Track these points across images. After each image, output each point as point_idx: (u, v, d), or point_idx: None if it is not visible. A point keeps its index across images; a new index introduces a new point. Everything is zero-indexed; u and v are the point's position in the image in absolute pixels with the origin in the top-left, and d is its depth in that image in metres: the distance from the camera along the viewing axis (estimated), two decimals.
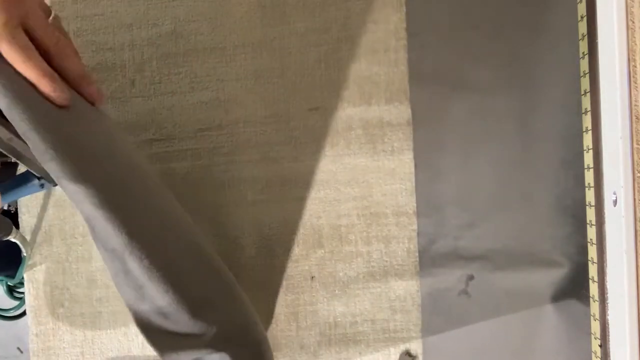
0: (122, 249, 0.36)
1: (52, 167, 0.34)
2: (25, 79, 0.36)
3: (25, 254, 0.54)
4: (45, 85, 0.37)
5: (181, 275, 0.38)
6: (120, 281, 0.38)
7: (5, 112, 0.35)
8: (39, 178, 0.46)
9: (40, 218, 0.55)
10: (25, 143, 0.36)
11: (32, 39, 0.37)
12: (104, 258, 0.37)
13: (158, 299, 0.37)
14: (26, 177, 0.47)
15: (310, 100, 0.53)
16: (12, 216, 0.56)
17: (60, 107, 0.38)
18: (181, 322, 0.38)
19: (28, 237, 0.55)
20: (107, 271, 0.54)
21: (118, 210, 0.36)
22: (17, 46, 0.36)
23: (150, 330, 0.38)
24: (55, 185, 0.47)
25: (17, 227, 0.55)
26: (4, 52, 0.35)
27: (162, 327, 0.38)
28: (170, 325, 0.38)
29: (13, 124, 0.35)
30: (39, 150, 0.35)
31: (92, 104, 0.42)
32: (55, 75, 0.38)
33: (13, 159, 0.43)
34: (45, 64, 0.37)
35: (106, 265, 0.38)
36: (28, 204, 0.55)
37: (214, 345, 0.38)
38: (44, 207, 0.55)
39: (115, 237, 0.35)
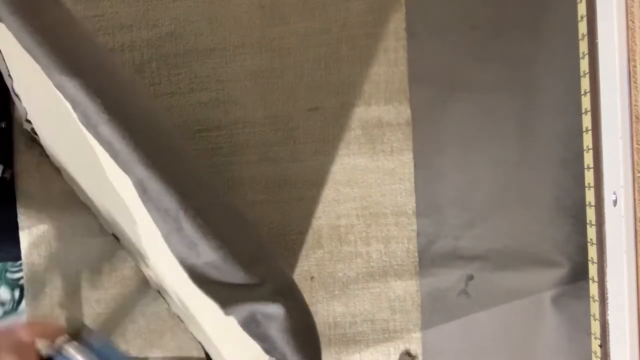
0: (176, 208, 0.37)
1: (104, 130, 0.36)
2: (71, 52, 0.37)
3: None
4: None
5: (230, 233, 0.40)
6: (173, 240, 0.39)
7: (54, 80, 0.36)
8: None
9: (39, 219, 0.55)
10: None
11: None
12: (155, 218, 0.39)
13: (211, 254, 0.38)
14: None
15: (309, 100, 0.53)
16: (8, 183, 0.55)
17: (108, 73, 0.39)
18: (235, 275, 0.39)
19: (27, 238, 0.55)
20: (108, 275, 0.54)
21: (169, 171, 0.38)
22: None
23: (206, 283, 0.40)
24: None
25: (17, 225, 0.55)
26: None
27: (217, 279, 0.40)
28: (225, 278, 0.40)
29: (59, 90, 0.36)
30: (90, 113, 0.36)
31: None
32: None
33: None
34: None
35: (156, 226, 0.39)
36: (27, 204, 0.55)
37: (269, 297, 0.39)
38: (43, 208, 0.55)
39: (168, 197, 0.37)
